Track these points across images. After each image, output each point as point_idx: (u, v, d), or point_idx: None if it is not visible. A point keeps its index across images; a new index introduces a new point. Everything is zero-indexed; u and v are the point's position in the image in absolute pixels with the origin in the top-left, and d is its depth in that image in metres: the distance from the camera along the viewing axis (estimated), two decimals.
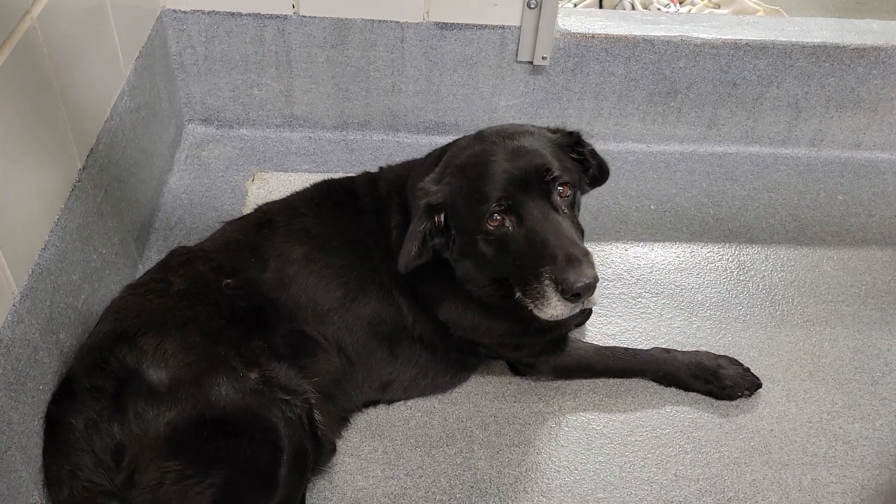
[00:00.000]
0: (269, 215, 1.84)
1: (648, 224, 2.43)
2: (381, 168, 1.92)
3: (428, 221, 1.60)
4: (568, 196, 1.58)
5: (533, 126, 1.70)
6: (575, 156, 1.69)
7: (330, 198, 1.87)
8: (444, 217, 1.62)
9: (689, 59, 2.55)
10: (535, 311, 1.55)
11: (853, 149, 2.78)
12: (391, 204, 1.77)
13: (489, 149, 1.58)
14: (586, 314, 2.08)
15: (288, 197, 1.92)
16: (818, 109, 2.68)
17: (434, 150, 1.80)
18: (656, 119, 2.69)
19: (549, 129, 1.70)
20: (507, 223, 1.55)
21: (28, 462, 1.49)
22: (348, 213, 1.81)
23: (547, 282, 1.49)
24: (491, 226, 1.55)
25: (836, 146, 2.77)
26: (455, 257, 1.66)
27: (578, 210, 1.67)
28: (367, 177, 1.91)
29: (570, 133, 1.69)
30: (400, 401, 1.87)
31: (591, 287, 1.46)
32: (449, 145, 1.74)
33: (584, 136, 1.72)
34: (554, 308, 1.51)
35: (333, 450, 1.71)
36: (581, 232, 1.61)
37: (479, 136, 1.66)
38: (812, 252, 2.37)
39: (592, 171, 1.73)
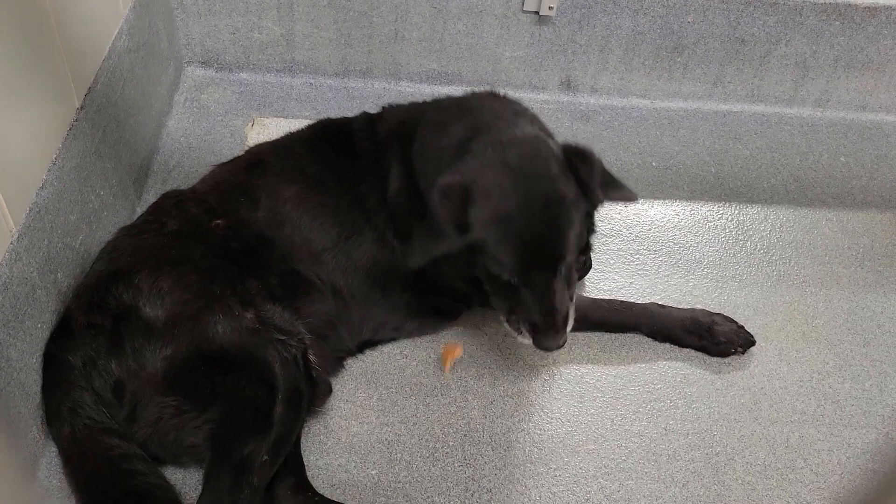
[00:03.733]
0: (261, 156, 1.83)
1: (649, 181, 2.42)
2: (384, 108, 1.88)
3: (452, 248, 1.57)
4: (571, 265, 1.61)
5: (554, 158, 1.58)
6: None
7: (325, 138, 1.85)
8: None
9: (699, 14, 2.51)
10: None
11: (859, 110, 2.75)
12: (391, 152, 1.75)
13: (514, 195, 1.51)
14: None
15: (281, 138, 1.90)
16: (826, 69, 2.65)
17: (446, 107, 1.75)
18: (662, 74, 2.65)
19: (566, 151, 1.60)
20: (514, 280, 1.58)
21: (26, 398, 1.50)
22: (343, 155, 1.80)
23: (524, 330, 1.61)
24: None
25: (842, 107, 2.74)
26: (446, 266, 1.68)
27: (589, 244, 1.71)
28: (365, 119, 1.88)
29: (594, 196, 1.60)
30: (391, 341, 1.88)
31: (558, 348, 1.62)
32: (467, 115, 1.68)
33: (606, 199, 1.64)
34: (523, 341, 1.65)
35: (329, 390, 1.72)
36: (574, 285, 1.65)
37: (501, 152, 1.56)
38: (812, 213, 2.37)
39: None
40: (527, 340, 1.63)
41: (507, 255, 1.54)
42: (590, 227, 1.68)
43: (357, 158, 1.79)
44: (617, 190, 1.63)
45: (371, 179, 1.76)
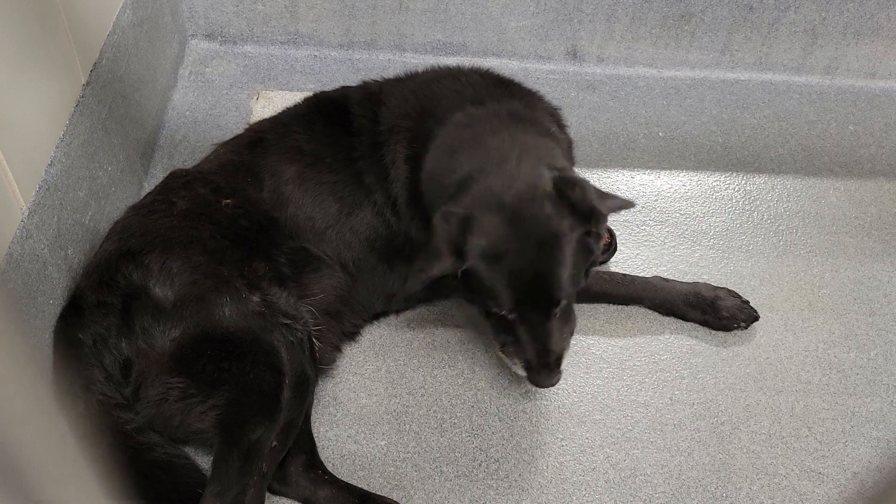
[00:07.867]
0: (261, 134, 1.84)
1: (656, 151, 2.41)
2: (382, 87, 1.86)
3: (446, 274, 1.56)
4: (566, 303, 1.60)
5: (547, 197, 1.53)
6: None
7: (320, 113, 1.85)
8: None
9: None
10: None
11: (868, 78, 2.72)
12: (397, 146, 1.75)
13: (510, 235, 1.50)
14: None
15: (279, 114, 1.91)
16: (835, 36, 2.62)
17: (455, 127, 1.69)
18: (669, 43, 2.63)
19: (556, 184, 1.53)
20: (509, 316, 1.58)
21: (39, 374, 1.52)
22: (339, 131, 1.80)
23: (519, 365, 1.63)
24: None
25: (851, 75, 2.71)
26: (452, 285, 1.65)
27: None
28: (363, 94, 1.86)
29: (595, 212, 1.55)
30: (405, 310, 1.91)
31: (552, 386, 1.65)
32: (476, 146, 1.63)
33: (603, 213, 1.56)
34: (517, 371, 1.66)
35: (336, 355, 1.77)
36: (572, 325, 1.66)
37: (499, 192, 1.52)
38: (819, 183, 2.36)
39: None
40: (521, 372, 1.65)
41: (501, 292, 1.54)
42: (592, 259, 1.63)
43: (354, 136, 1.79)
44: (613, 200, 1.58)
45: (368, 160, 1.77)
